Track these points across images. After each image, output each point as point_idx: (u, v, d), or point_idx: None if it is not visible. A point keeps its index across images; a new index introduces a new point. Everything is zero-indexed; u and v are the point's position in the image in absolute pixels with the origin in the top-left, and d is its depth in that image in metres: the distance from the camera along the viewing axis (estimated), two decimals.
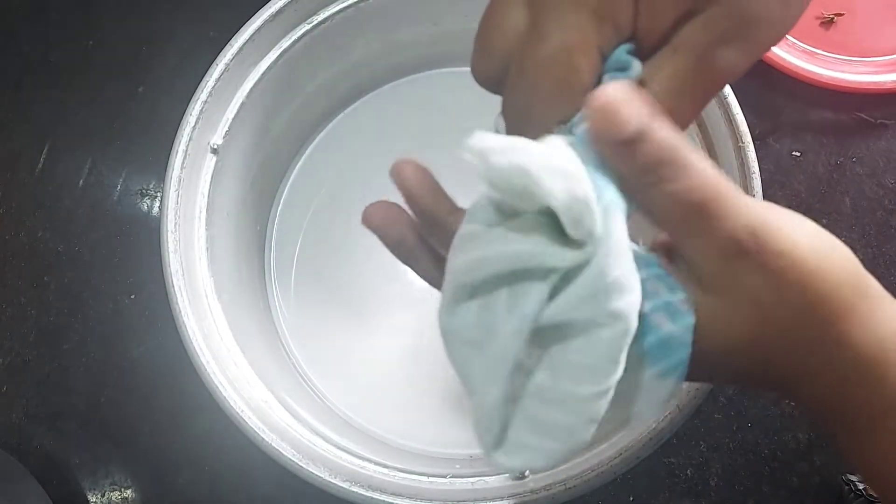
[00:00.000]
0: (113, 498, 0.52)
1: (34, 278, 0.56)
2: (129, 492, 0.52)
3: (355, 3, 0.47)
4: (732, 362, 0.23)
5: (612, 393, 0.21)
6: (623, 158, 0.21)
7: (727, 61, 0.22)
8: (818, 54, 0.56)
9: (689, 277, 0.22)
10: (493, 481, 0.39)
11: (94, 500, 0.52)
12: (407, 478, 0.40)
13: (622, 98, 0.20)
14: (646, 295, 0.22)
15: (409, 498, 0.38)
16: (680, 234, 0.22)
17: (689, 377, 0.23)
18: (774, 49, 0.54)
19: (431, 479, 0.40)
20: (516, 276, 0.21)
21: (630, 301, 0.20)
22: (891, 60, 0.55)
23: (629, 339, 0.21)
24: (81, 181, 0.58)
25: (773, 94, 0.55)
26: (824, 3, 0.57)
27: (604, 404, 0.21)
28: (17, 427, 0.54)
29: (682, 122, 0.23)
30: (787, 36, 0.56)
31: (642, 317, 0.21)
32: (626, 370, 0.21)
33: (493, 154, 0.19)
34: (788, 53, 0.54)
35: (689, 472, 0.49)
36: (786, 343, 0.22)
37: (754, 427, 0.49)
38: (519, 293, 0.21)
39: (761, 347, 0.22)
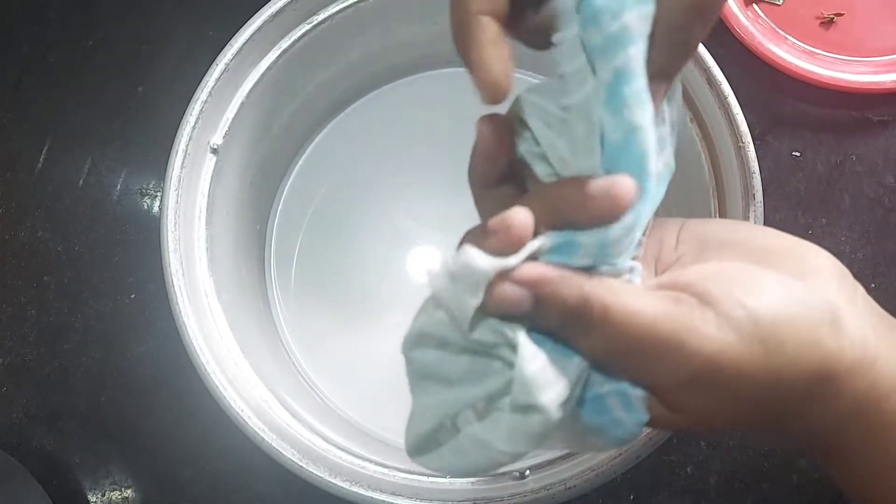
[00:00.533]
0: (113, 498, 0.52)
1: (34, 278, 0.56)
2: (129, 491, 0.52)
3: (355, 3, 0.47)
4: (721, 385, 0.23)
5: (525, 453, 0.23)
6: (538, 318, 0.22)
7: None
8: (818, 54, 0.56)
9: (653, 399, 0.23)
10: (493, 481, 0.39)
11: (95, 499, 0.52)
12: (407, 478, 0.40)
13: (505, 286, 0.22)
14: (606, 380, 0.23)
15: (409, 498, 0.38)
16: (624, 375, 0.23)
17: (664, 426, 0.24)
18: (774, 49, 0.54)
19: (431, 478, 0.40)
20: (475, 362, 0.24)
21: (550, 396, 0.22)
22: (890, 60, 0.55)
23: (547, 426, 0.22)
24: (81, 181, 0.58)
25: (772, 93, 0.55)
26: (824, 3, 0.57)
27: (518, 458, 0.24)
28: (17, 427, 0.54)
29: (694, 44, 0.23)
30: (786, 36, 0.56)
31: (599, 397, 0.23)
32: (569, 427, 0.24)
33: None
34: (788, 53, 0.54)
35: (689, 469, 0.49)
36: (766, 418, 0.23)
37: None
38: (478, 372, 0.24)
39: (746, 425, 0.23)
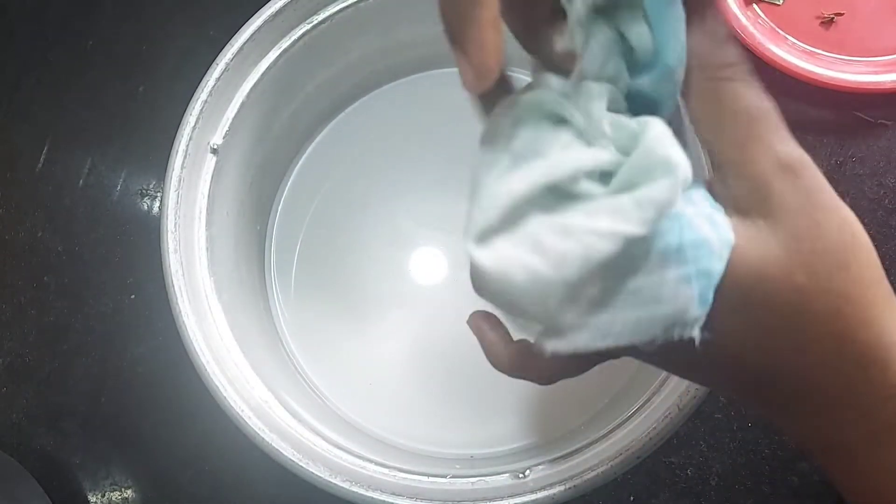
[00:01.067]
0: (113, 498, 0.52)
1: (34, 278, 0.56)
2: (129, 492, 0.52)
3: (355, 3, 0.47)
4: (757, 298, 0.21)
5: (621, 246, 0.19)
6: (713, 45, 0.21)
7: None
8: (818, 54, 0.56)
9: (728, 201, 0.22)
10: (494, 481, 0.39)
11: (95, 500, 0.52)
12: (407, 478, 0.40)
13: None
14: (690, 202, 0.21)
15: (409, 498, 0.38)
16: (730, 141, 0.22)
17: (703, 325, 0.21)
18: (774, 49, 0.54)
19: (432, 478, 0.40)
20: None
21: (682, 159, 0.20)
22: (891, 60, 0.55)
23: (676, 193, 0.19)
24: (81, 181, 0.58)
25: (773, 94, 0.55)
26: (824, 3, 0.57)
27: (606, 251, 0.19)
28: (17, 427, 0.54)
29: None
30: (786, 36, 0.56)
31: (683, 216, 0.20)
32: (650, 269, 0.20)
33: None
34: (788, 53, 0.54)
35: (689, 471, 0.49)
36: (809, 286, 0.21)
37: (755, 427, 0.49)
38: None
39: (789, 278, 0.21)
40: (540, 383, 0.27)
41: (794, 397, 0.23)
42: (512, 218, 0.20)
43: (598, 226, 0.19)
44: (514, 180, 0.20)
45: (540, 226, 0.20)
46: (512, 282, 0.20)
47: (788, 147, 0.21)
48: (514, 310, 0.21)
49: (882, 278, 0.22)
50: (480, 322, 0.29)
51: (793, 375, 0.22)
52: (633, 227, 0.19)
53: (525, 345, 0.27)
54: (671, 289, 0.20)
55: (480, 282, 0.21)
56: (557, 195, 0.21)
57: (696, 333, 0.20)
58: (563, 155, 0.20)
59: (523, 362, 0.27)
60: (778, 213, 0.21)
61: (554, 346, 0.21)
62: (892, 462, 0.22)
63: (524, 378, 0.27)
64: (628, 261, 0.20)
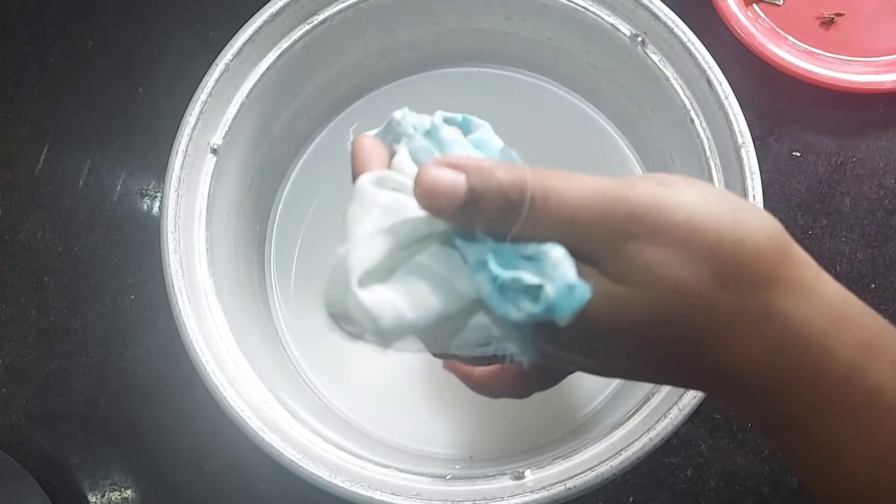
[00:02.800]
0: (113, 498, 0.52)
1: (34, 279, 0.56)
2: (128, 492, 0.52)
3: (355, 3, 0.47)
4: (643, 341, 0.22)
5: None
6: (471, 219, 0.22)
7: None
8: (818, 54, 0.56)
9: (595, 273, 0.22)
10: (493, 482, 0.39)
11: (94, 500, 0.52)
12: (407, 478, 0.40)
13: (439, 175, 0.22)
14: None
15: (409, 498, 0.38)
16: (570, 244, 0.22)
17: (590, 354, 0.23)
18: (774, 49, 0.54)
19: (431, 479, 0.40)
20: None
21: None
22: (891, 60, 0.55)
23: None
24: (81, 181, 0.58)
25: (773, 94, 0.55)
26: (824, 4, 0.57)
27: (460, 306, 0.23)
28: (17, 427, 0.54)
29: None
30: (786, 36, 0.56)
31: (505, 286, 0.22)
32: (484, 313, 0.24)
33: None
34: (788, 53, 0.54)
35: (688, 472, 0.49)
36: (702, 315, 0.21)
37: (754, 427, 0.49)
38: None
39: (681, 321, 0.21)
40: (518, 398, 0.32)
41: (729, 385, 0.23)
42: (386, 266, 0.24)
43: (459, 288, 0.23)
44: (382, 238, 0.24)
45: (410, 278, 0.24)
46: (380, 319, 0.23)
47: (616, 214, 0.22)
48: (376, 337, 0.24)
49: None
50: (453, 364, 0.34)
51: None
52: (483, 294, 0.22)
53: (493, 369, 0.32)
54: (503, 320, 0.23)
55: (355, 316, 0.24)
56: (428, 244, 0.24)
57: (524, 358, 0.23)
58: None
59: (496, 383, 0.32)
60: (643, 276, 0.22)
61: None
62: (829, 435, 0.22)
63: (504, 396, 0.32)
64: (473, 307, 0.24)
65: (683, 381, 0.25)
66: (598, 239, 0.21)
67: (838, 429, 0.22)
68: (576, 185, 0.21)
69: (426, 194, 0.22)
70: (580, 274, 0.21)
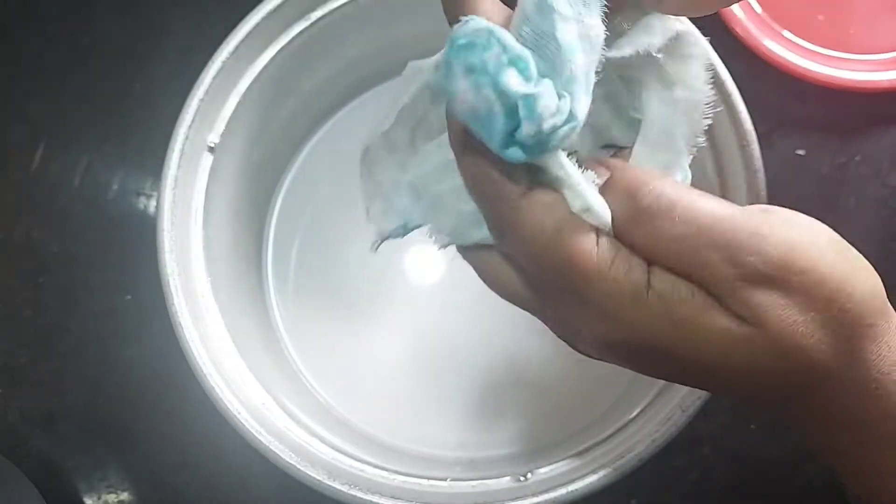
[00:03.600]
0: (109, 500, 0.52)
1: (29, 279, 0.56)
2: (125, 494, 0.52)
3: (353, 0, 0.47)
4: (749, 383, 0.23)
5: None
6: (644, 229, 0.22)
7: None
8: (821, 53, 0.55)
9: (715, 307, 0.22)
10: (494, 484, 0.39)
11: (91, 502, 0.52)
12: (406, 480, 0.40)
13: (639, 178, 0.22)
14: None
15: (409, 501, 0.37)
16: (700, 273, 0.21)
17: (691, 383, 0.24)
18: (776, 48, 0.54)
19: (431, 481, 0.40)
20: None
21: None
22: (889, 58, 0.55)
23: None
24: (77, 180, 0.57)
25: (777, 93, 0.55)
26: (827, 2, 0.57)
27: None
28: (13, 429, 0.53)
29: None
30: (789, 35, 0.56)
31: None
32: None
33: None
34: (791, 52, 0.54)
35: (693, 474, 0.49)
36: (813, 370, 0.22)
37: (759, 429, 0.49)
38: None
39: (796, 374, 0.22)
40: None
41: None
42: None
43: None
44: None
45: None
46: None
47: (759, 256, 0.22)
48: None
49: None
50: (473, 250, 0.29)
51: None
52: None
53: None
54: None
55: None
56: None
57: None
58: None
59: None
60: (764, 321, 0.22)
61: None
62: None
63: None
64: None
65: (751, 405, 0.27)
66: (720, 266, 0.21)
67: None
68: (708, 203, 0.21)
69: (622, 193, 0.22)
70: (681, 292, 0.21)
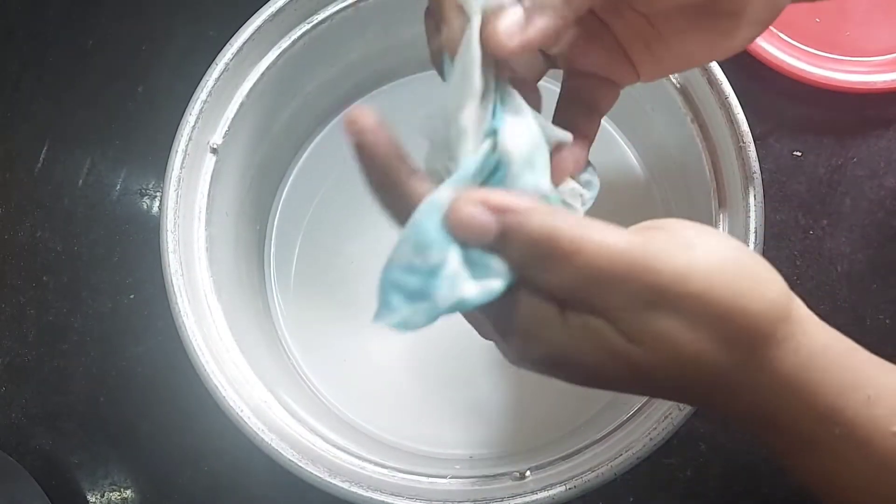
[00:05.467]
0: (112, 498, 0.52)
1: (33, 278, 0.56)
2: (128, 492, 0.52)
3: (355, 2, 0.47)
4: (662, 388, 0.25)
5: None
6: (500, 251, 0.23)
7: None
8: (817, 55, 0.56)
9: (609, 329, 0.23)
10: (493, 482, 0.39)
11: (94, 500, 0.52)
12: (406, 478, 0.40)
13: (474, 214, 0.22)
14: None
15: (409, 498, 0.38)
16: (586, 297, 0.23)
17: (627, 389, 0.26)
18: (773, 50, 0.54)
19: (431, 479, 0.40)
20: None
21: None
22: (891, 59, 0.55)
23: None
24: (81, 181, 0.58)
25: (774, 94, 0.55)
26: (824, 4, 0.57)
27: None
28: (16, 427, 0.53)
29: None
30: (785, 37, 0.56)
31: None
32: None
33: None
34: (787, 54, 0.54)
35: (688, 472, 0.49)
36: (711, 379, 0.24)
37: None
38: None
39: (693, 385, 0.24)
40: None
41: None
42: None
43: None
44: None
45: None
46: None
47: (640, 284, 0.23)
48: None
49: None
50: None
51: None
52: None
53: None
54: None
55: None
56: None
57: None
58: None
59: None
60: (658, 342, 0.24)
61: None
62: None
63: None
64: None
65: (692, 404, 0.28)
66: (617, 300, 0.22)
67: (823, 460, 0.25)
68: (605, 244, 0.22)
69: (457, 226, 0.23)
70: (589, 325, 0.23)
